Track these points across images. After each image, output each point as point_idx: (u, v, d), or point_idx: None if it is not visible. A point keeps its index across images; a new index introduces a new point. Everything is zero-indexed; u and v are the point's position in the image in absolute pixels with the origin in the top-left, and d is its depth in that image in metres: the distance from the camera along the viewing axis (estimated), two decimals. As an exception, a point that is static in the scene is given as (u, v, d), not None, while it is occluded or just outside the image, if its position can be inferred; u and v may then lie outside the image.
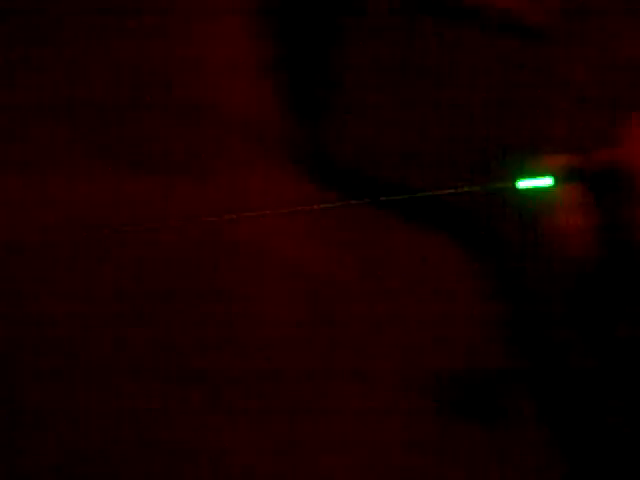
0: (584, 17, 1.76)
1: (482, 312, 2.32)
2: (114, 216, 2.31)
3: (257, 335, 2.14)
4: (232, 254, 2.30)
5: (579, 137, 1.63)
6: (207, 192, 2.50)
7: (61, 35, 2.63)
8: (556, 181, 0.56)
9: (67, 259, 2.24)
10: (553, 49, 1.82)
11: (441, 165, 2.36)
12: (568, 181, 0.56)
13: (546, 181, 0.57)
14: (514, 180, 0.59)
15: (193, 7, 3.12)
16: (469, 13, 2.41)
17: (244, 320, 2.17)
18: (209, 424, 1.98)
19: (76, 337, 2.09)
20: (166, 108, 2.82)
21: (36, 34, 2.63)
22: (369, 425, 2.06)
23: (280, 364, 2.09)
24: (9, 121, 2.50)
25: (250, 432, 2.03)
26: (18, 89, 2.61)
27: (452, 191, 0.68)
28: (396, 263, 2.49)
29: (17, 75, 2.57)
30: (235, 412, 2.02)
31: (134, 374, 2.07)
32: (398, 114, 2.73)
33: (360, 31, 2.86)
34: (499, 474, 2.11)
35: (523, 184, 0.58)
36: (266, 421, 2.05)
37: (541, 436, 2.20)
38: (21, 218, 2.31)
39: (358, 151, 2.94)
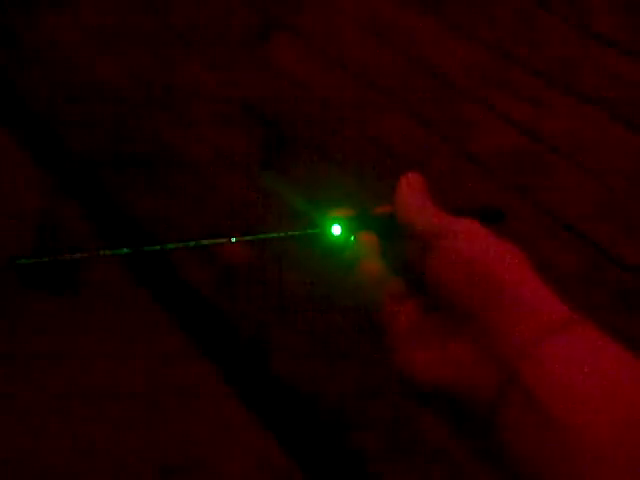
0: None
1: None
2: None
3: None
4: None
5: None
6: None
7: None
8: (346, 230, 0.66)
9: None
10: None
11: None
12: (357, 230, 0.65)
13: (336, 229, 0.66)
14: (306, 227, 0.68)
15: None
16: None
17: None
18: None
19: None
20: None
21: None
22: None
23: None
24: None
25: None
26: None
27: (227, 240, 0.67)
28: None
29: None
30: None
31: None
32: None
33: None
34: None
35: (315, 231, 0.67)
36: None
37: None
38: None
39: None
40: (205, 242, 0.69)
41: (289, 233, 0.65)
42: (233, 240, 0.66)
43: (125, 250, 0.70)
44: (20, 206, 2.78)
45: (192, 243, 0.66)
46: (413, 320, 0.59)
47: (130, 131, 2.63)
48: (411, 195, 0.61)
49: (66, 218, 2.71)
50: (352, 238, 0.64)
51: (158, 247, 0.69)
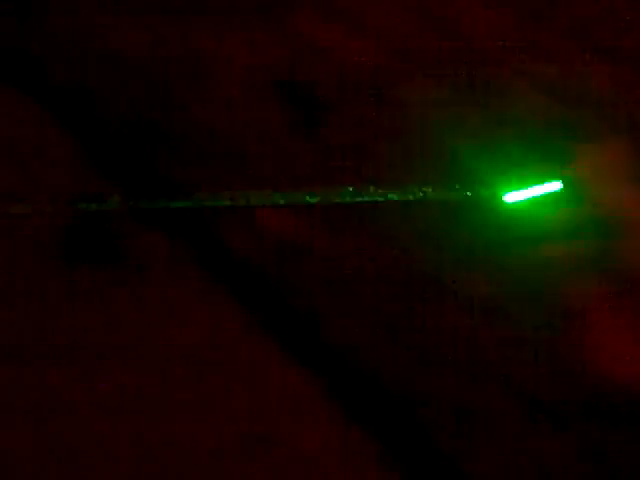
0: None
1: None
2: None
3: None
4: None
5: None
6: None
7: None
8: (560, 193, 0.56)
9: None
10: None
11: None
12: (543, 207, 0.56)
13: (549, 187, 0.56)
14: (503, 189, 0.58)
15: None
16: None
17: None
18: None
19: None
20: None
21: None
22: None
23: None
24: None
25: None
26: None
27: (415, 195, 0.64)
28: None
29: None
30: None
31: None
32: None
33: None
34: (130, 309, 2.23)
35: (515, 195, 0.57)
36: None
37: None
38: None
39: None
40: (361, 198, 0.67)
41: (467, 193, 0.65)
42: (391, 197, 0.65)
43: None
44: (55, 181, 2.70)
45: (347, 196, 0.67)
46: (608, 312, 0.59)
47: (160, 103, 2.58)
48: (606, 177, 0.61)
49: (99, 189, 2.68)
50: (545, 213, 0.65)
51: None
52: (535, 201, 0.51)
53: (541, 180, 0.52)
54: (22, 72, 2.89)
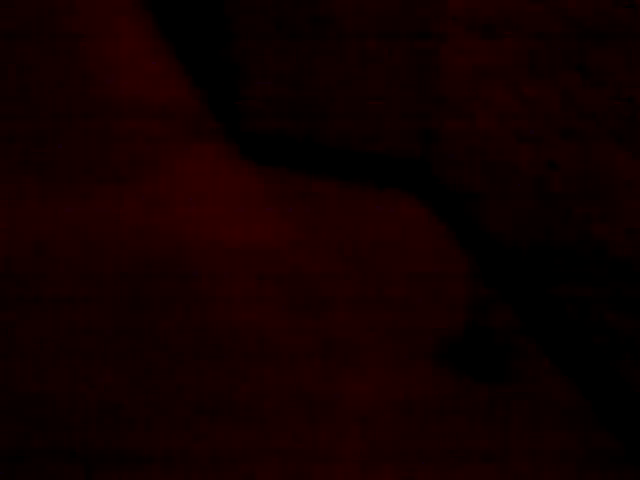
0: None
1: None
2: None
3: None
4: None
5: None
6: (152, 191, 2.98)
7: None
8: None
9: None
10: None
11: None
12: None
13: None
14: None
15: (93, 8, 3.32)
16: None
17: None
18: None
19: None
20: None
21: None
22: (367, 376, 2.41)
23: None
24: None
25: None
26: None
27: None
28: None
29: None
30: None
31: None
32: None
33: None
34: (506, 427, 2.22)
35: None
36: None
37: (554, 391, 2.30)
38: None
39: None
40: None
41: None
42: None
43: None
44: (446, 286, 2.78)
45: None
46: None
47: (551, 219, 2.55)
48: None
49: (489, 301, 2.67)
50: None
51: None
52: None
53: None
54: (419, 179, 3.05)
